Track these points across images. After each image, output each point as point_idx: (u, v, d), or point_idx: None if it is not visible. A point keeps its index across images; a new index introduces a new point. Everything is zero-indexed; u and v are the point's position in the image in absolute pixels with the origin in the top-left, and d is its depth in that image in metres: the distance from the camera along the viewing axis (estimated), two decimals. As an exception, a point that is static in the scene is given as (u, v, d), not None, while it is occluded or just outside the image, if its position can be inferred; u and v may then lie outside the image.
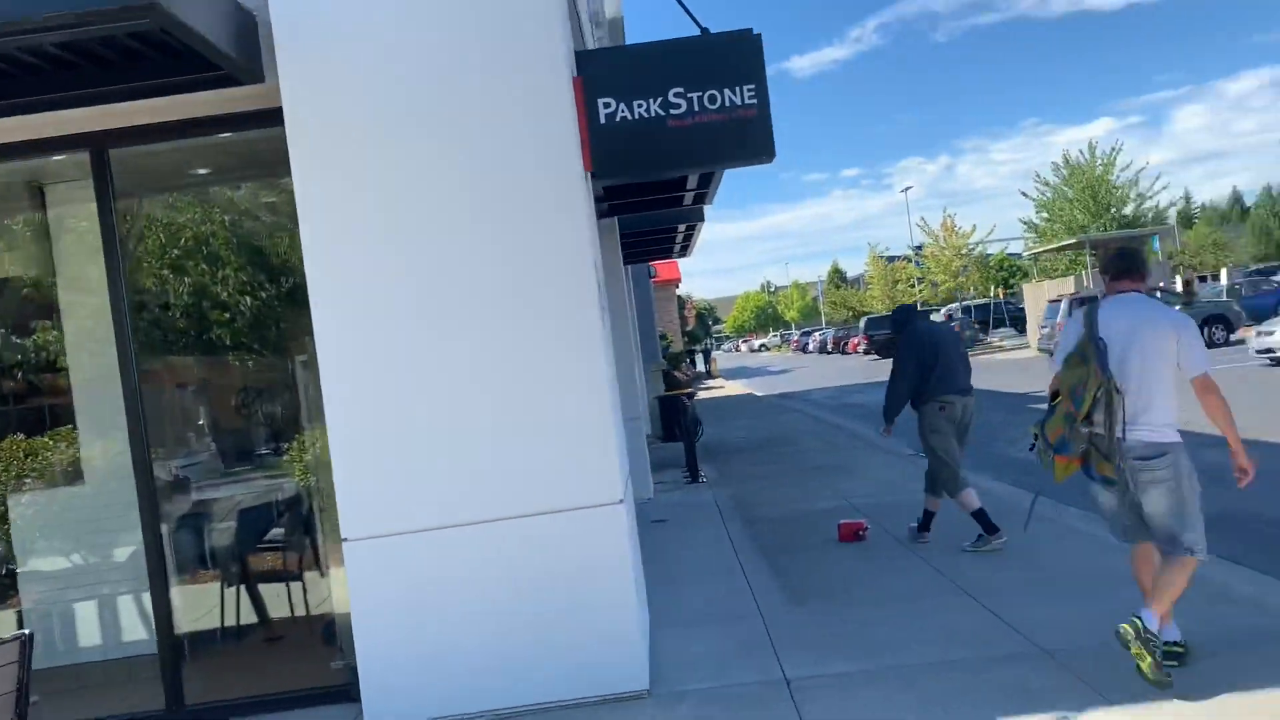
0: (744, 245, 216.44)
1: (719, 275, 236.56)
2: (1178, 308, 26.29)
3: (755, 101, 5.21)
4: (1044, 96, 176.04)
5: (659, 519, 9.64)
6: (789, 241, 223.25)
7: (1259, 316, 24.55)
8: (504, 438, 4.70)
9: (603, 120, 5.21)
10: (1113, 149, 43.22)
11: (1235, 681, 4.18)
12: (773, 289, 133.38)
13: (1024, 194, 49.95)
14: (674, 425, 15.62)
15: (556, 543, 4.70)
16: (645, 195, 9.39)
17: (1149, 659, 4.09)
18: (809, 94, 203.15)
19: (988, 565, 6.56)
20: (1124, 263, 4.60)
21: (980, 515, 7.06)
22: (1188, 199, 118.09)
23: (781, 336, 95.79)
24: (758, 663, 5.07)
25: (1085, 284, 36.11)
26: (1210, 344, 25.16)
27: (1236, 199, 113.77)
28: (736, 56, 5.27)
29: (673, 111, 5.22)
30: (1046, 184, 44.53)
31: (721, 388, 39.13)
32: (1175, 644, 4.46)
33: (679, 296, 49.98)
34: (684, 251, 16.14)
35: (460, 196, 4.74)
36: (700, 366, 51.56)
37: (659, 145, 5.25)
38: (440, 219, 4.75)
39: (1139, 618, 4.17)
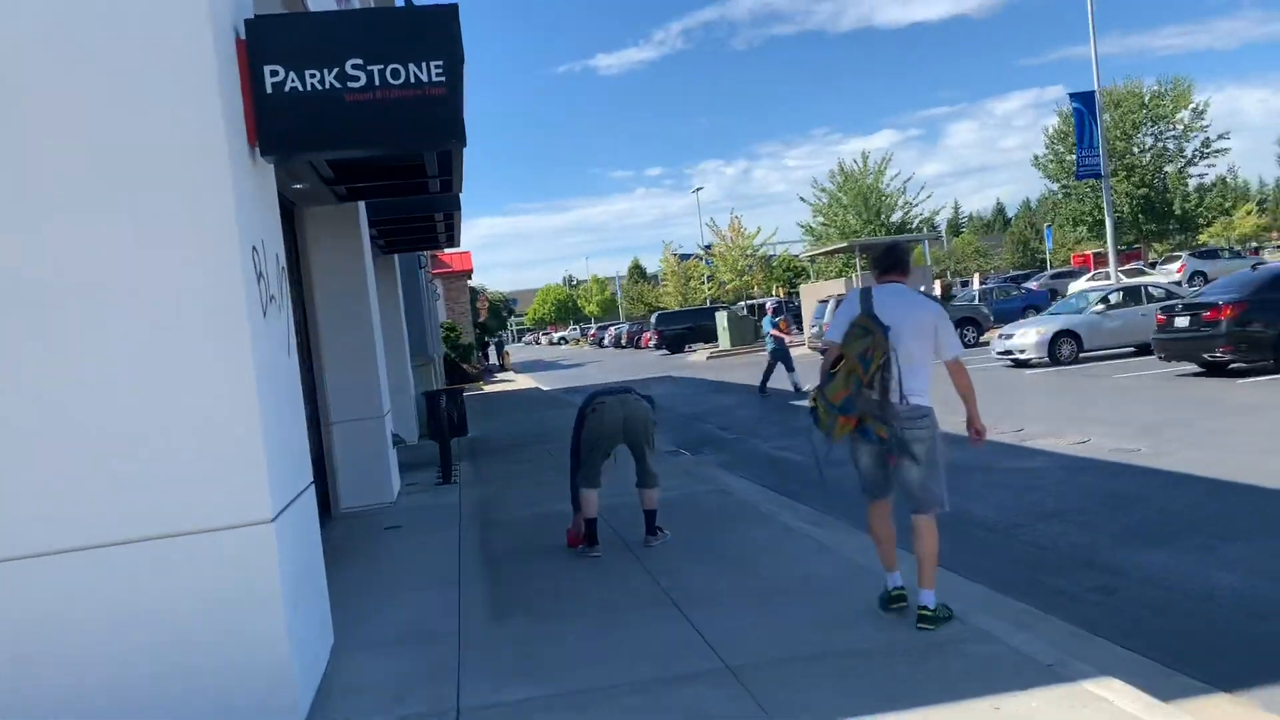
0: (552, 238, 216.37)
1: (526, 267, 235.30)
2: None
3: (444, 79, 4.77)
4: (834, 107, 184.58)
5: (392, 525, 9.08)
6: (596, 236, 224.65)
7: (1006, 320, 26.28)
8: (119, 446, 4.07)
9: (269, 90, 4.64)
10: (883, 159, 45.60)
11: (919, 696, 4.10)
12: (574, 283, 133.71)
13: (802, 199, 51.85)
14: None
15: (186, 571, 4.12)
16: (385, 179, 8.80)
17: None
18: (616, 92, 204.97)
19: (707, 572, 6.40)
20: (891, 258, 5.27)
21: (591, 525, 7.17)
22: (956, 209, 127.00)
23: (581, 330, 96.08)
24: (436, 691, 4.66)
25: (855, 285, 37.83)
26: (962, 344, 26.72)
27: (1000, 210, 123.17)
28: (426, 29, 4.80)
29: (351, 85, 4.71)
30: (824, 190, 46.42)
31: (511, 381, 38.55)
32: (932, 609, 4.93)
33: (471, 288, 49.01)
34: (451, 241, 15.54)
35: (76, 166, 4.08)
36: (493, 359, 50.92)
37: (335, 121, 4.73)
38: (50, 190, 4.07)
39: (923, 606, 4.87)
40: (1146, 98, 46.76)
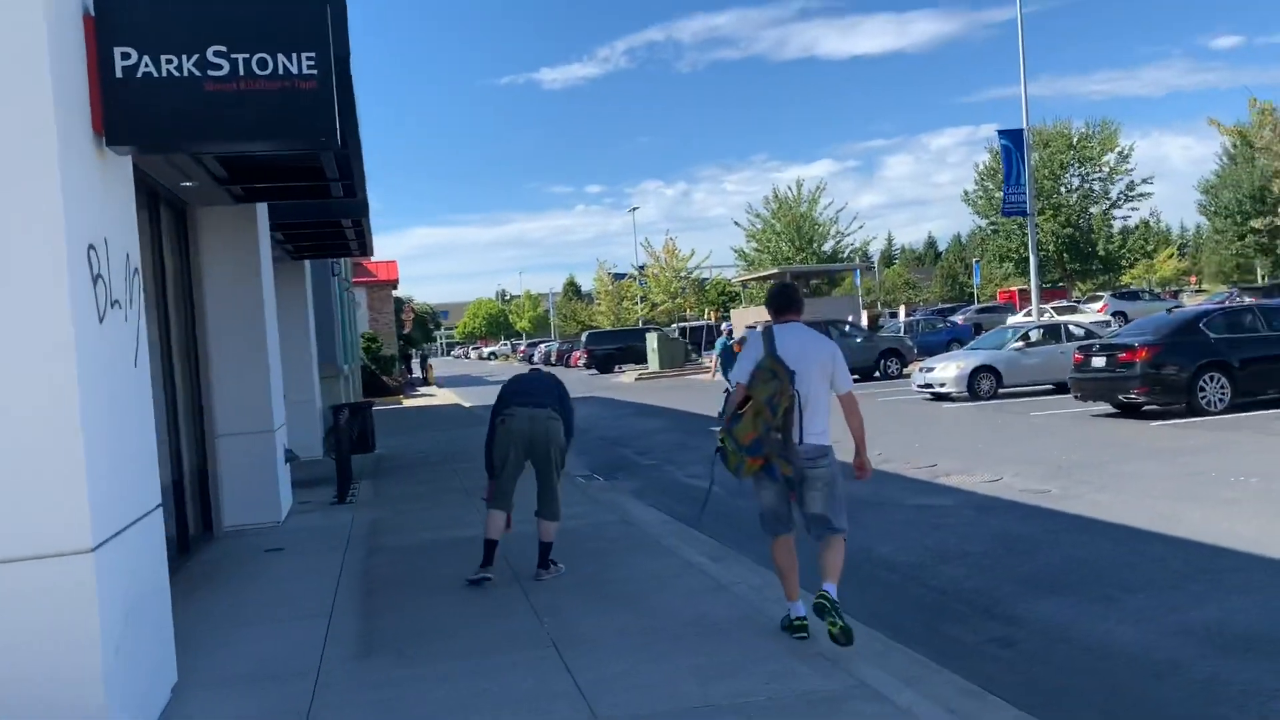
0: (488, 251, 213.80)
1: (460, 279, 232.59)
2: (859, 340, 28.11)
3: (315, 72, 4.40)
4: (774, 134, 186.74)
5: (274, 547, 8.57)
6: (533, 251, 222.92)
7: (931, 352, 26.44)
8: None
9: (120, 74, 4.23)
10: (816, 188, 45.97)
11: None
12: (507, 297, 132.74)
13: (736, 223, 51.96)
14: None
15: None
16: (282, 181, 8.34)
17: (839, 624, 4.90)
18: (559, 107, 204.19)
19: (596, 610, 6.05)
20: (785, 298, 5.47)
21: (490, 546, 6.88)
22: (889, 241, 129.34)
23: (511, 346, 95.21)
24: (277, 741, 4.24)
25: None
26: (884, 375, 26.88)
27: (931, 244, 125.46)
28: (297, 18, 4.43)
29: (212, 73, 4.32)
30: (758, 216, 46.64)
31: (432, 396, 37.81)
32: (804, 619, 5.21)
33: (397, 298, 48.15)
34: (363, 249, 15.04)
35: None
36: (417, 372, 50.02)
37: (194, 111, 4.33)
38: None
39: (825, 592, 5.05)
40: (1075, 139, 47.88)
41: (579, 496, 10.29)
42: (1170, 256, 76.18)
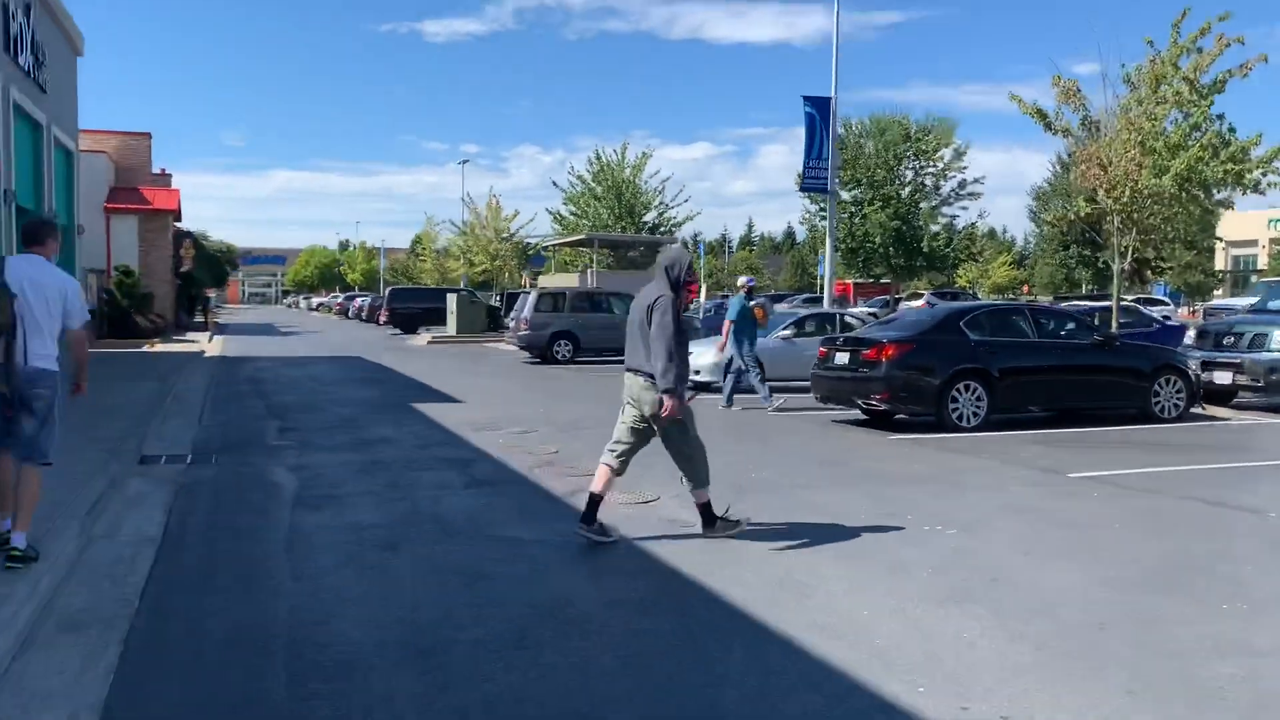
0: (354, 201, 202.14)
1: (317, 227, 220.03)
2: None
3: None
4: (656, 111, 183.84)
5: None
6: (401, 205, 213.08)
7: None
8: None
9: None
10: (642, 155, 43.20)
11: None
12: (349, 247, 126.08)
13: (554, 183, 48.43)
14: None
15: None
16: None
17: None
18: (439, 60, 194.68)
19: None
20: (33, 231, 5.90)
21: None
22: (750, 226, 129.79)
23: (345, 297, 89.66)
24: None
25: (591, 281, 35.20)
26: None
27: (790, 233, 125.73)
28: None
29: None
30: (579, 178, 43.66)
31: (194, 343, 33.32)
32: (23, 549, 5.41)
33: (178, 231, 43.21)
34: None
35: None
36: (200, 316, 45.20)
37: None
38: None
39: (15, 546, 5.35)
40: (912, 130, 46.62)
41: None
42: (1004, 264, 77.20)
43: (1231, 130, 15.22)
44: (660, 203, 43.55)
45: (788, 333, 17.57)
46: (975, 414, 12.05)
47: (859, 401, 12.39)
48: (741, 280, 16.28)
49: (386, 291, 47.98)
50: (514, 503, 8.08)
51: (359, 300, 63.49)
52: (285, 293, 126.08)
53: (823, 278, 58.93)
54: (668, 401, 6.30)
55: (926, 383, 11.96)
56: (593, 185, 43.16)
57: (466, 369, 22.82)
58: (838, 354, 12.74)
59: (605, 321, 25.88)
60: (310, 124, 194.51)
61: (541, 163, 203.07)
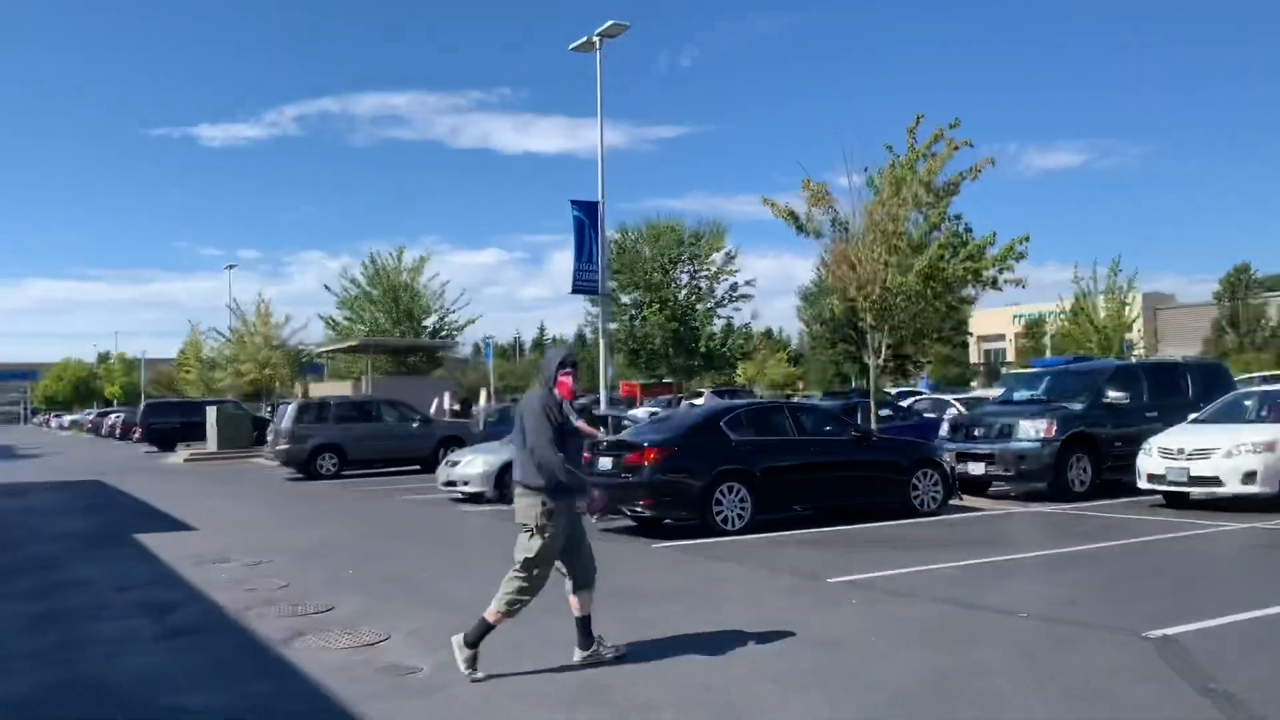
0: (123, 310, 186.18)
1: (79, 339, 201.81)
2: (414, 424, 24.41)
3: None
4: (446, 217, 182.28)
5: None
6: (175, 314, 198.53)
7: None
8: None
9: None
10: (420, 258, 42.34)
11: None
12: (109, 359, 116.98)
13: (327, 288, 46.56)
14: None
15: None
16: None
17: None
18: (216, 166, 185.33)
19: None
20: None
21: None
22: (541, 330, 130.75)
23: (98, 414, 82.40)
24: None
25: (365, 388, 33.65)
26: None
27: (580, 336, 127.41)
28: None
29: None
30: (354, 282, 42.19)
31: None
32: None
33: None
34: None
35: None
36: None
37: None
38: None
39: None
40: (685, 236, 48.07)
41: None
42: (780, 362, 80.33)
43: (969, 230, 16.09)
44: (441, 306, 42.61)
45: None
46: (740, 516, 11.71)
47: (623, 509, 11.83)
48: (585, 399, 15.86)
49: (142, 405, 44.28)
50: (210, 657, 6.89)
51: (112, 417, 58.44)
52: (35, 410, 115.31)
53: (611, 378, 59.42)
54: (592, 492, 6.47)
55: (689, 486, 11.55)
56: (368, 289, 41.74)
57: (215, 490, 20.84)
58: (602, 459, 12.17)
59: (377, 431, 24.51)
60: (73, 233, 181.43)
61: (327, 268, 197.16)
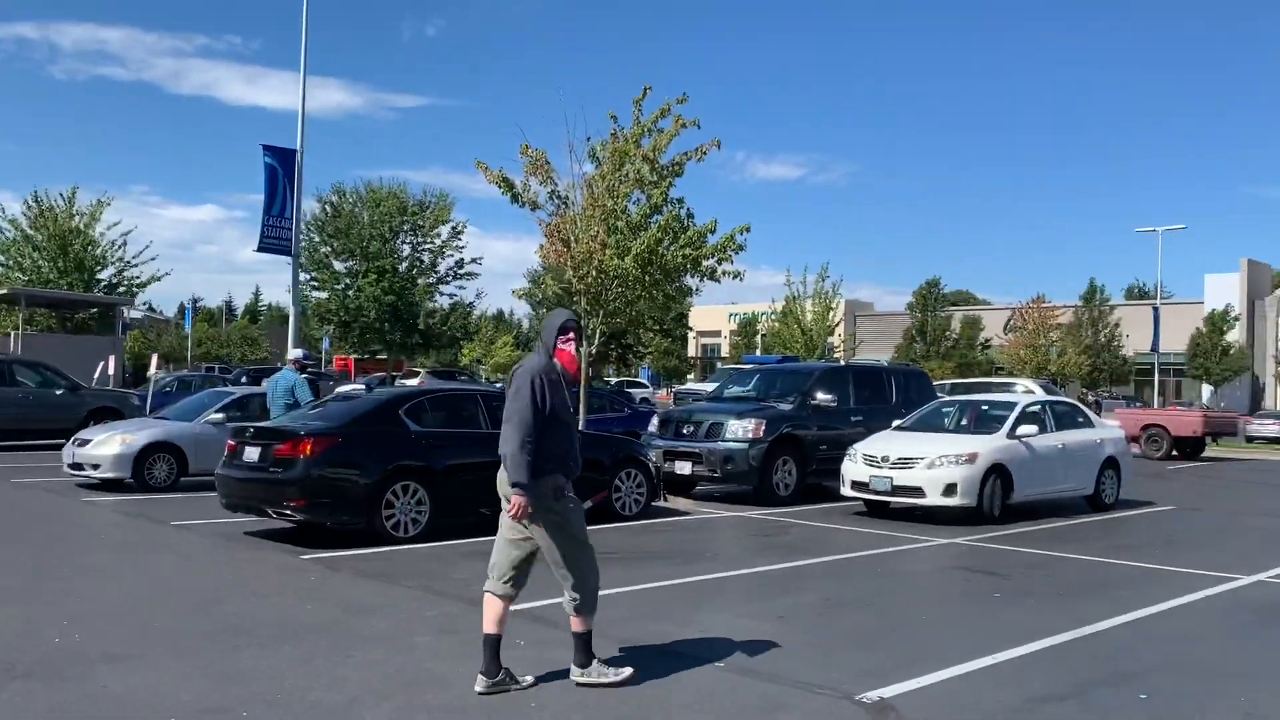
0: None
1: None
2: (59, 391, 20.76)
3: None
4: (159, 167, 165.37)
5: None
6: None
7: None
8: None
9: None
10: (98, 203, 37.16)
11: None
12: None
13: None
14: None
15: None
16: None
17: None
18: None
19: None
20: None
21: None
22: (257, 295, 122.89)
23: None
24: None
25: (14, 347, 28.85)
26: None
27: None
28: None
29: None
30: (12, 223, 36.42)
31: None
32: None
33: None
34: None
35: None
36: None
37: None
38: None
39: None
40: (409, 204, 45.35)
41: None
42: (506, 344, 79.00)
43: (690, 216, 15.15)
44: (119, 259, 37.56)
45: (219, 416, 14.47)
46: (415, 520, 10.03)
47: (269, 510, 9.80)
48: (294, 354, 13.34)
49: None
50: None
51: None
52: None
53: (327, 351, 55.25)
54: (515, 498, 5.12)
55: (354, 484, 9.71)
56: (31, 233, 36.13)
57: None
58: (248, 448, 10.06)
59: (7, 397, 20.60)
60: None
61: (13, 210, 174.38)
